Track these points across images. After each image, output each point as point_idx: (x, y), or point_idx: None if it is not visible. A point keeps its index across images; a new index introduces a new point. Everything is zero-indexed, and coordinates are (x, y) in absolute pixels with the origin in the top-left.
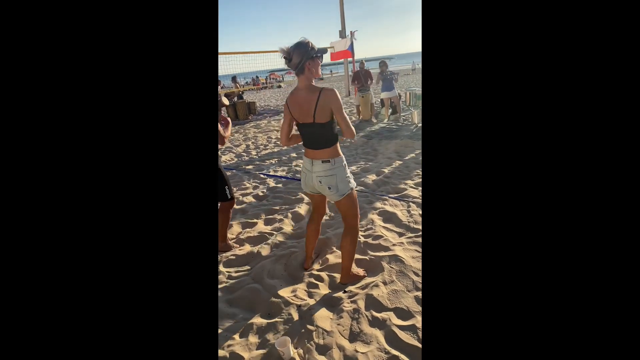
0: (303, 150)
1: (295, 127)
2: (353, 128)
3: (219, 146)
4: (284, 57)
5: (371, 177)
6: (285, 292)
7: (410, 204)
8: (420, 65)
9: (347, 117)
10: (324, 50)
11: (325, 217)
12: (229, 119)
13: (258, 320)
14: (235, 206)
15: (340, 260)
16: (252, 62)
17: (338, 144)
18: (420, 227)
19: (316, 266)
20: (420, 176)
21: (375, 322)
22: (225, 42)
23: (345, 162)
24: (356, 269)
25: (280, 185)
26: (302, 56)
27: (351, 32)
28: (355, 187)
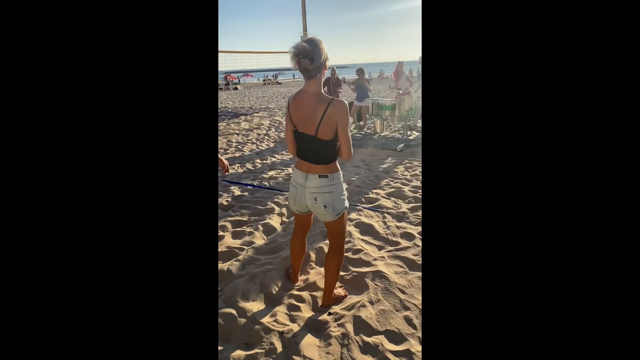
0: (268, 157)
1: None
2: (352, 150)
3: None
4: (304, 58)
5: None
6: (263, 317)
7: (386, 214)
8: (387, 75)
9: (350, 137)
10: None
11: None
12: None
13: (235, 352)
14: None
15: (322, 280)
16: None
17: (337, 159)
18: (398, 240)
19: (296, 285)
20: (391, 186)
21: (367, 348)
22: None
23: (342, 177)
24: (337, 290)
25: (246, 193)
26: (322, 57)
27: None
28: (347, 207)
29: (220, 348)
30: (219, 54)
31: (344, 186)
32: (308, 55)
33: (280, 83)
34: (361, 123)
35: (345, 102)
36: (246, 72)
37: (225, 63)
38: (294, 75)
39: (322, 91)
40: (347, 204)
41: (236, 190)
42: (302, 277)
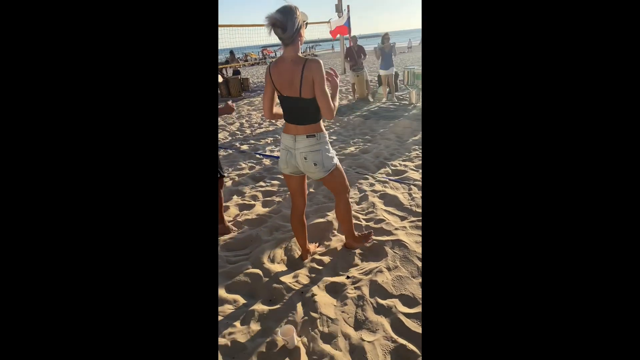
0: None
1: (277, 100)
2: (334, 107)
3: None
4: (276, 28)
5: (370, 159)
6: (286, 278)
7: (412, 186)
8: (416, 43)
9: (329, 93)
10: (306, 17)
11: (323, 200)
12: (230, 104)
13: (259, 306)
14: (230, 187)
15: (341, 243)
16: (245, 36)
17: (322, 120)
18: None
19: (319, 250)
20: (421, 158)
21: (380, 310)
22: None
23: (327, 138)
24: (360, 234)
25: (277, 166)
26: (295, 25)
27: (348, 6)
28: (338, 163)
29: (244, 301)
30: (254, 28)
31: (330, 146)
32: (280, 25)
33: (316, 55)
34: (388, 93)
35: (320, 60)
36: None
37: (260, 37)
38: (332, 47)
39: (300, 54)
40: (336, 160)
41: (267, 162)
42: (325, 244)
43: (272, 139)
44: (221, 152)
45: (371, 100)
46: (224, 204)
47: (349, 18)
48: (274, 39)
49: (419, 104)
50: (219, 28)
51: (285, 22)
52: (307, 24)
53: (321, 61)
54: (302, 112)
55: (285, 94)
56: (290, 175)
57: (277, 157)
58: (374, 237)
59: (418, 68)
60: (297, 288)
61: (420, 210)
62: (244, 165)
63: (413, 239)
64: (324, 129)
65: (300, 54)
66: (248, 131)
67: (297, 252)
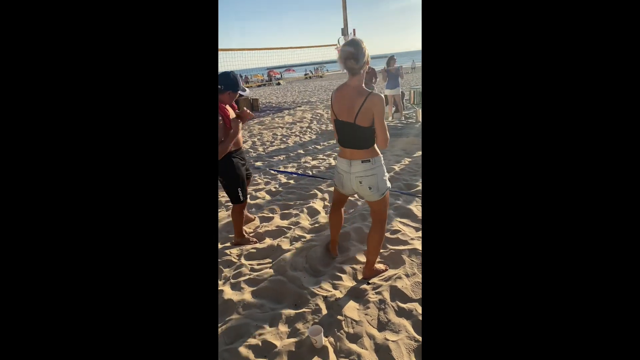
0: (311, 148)
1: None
2: (388, 138)
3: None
4: (350, 60)
5: None
6: (309, 284)
7: None
8: (419, 64)
9: (386, 127)
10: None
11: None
12: (248, 111)
13: (286, 310)
14: (249, 201)
15: (361, 255)
16: (249, 59)
17: (376, 144)
18: None
19: (338, 259)
20: None
21: (402, 312)
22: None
23: (382, 160)
24: (378, 265)
25: (292, 181)
26: (365, 57)
27: (354, 30)
28: (390, 188)
29: (271, 306)
30: (261, 51)
31: (385, 169)
32: (353, 57)
33: (321, 76)
34: (394, 112)
35: (382, 95)
36: (288, 67)
37: (267, 59)
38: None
39: (363, 85)
40: (389, 184)
41: (283, 178)
42: (343, 253)
43: (284, 156)
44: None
45: None
46: (245, 216)
47: None
48: (277, 62)
49: None
50: (225, 52)
51: (357, 55)
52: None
53: (383, 97)
54: (356, 137)
55: (342, 119)
56: (341, 193)
57: (291, 173)
58: (390, 247)
59: None
60: (320, 293)
61: None
62: (260, 181)
63: None
64: (379, 152)
65: (363, 86)
66: (260, 149)
67: (318, 261)
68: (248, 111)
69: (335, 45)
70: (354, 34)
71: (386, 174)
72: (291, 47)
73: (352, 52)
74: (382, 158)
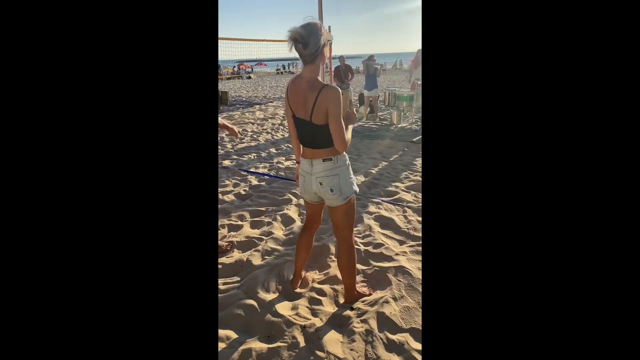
0: (284, 147)
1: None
2: (348, 140)
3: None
4: (297, 43)
5: (360, 179)
6: (284, 310)
7: (406, 208)
8: (405, 66)
9: (344, 126)
10: (331, 37)
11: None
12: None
13: (256, 344)
14: None
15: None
16: (220, 49)
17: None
18: (420, 235)
19: (317, 277)
20: (410, 179)
21: (392, 346)
22: None
23: (348, 161)
24: (360, 288)
25: (263, 183)
26: (318, 44)
27: (329, 27)
28: (357, 192)
29: (238, 338)
30: (232, 42)
31: (351, 170)
32: (302, 41)
33: (293, 72)
34: (369, 113)
35: (338, 88)
36: (259, 61)
37: (238, 51)
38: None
39: (319, 77)
40: (355, 188)
41: (253, 180)
42: (322, 271)
43: (255, 154)
44: None
45: None
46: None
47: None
48: (249, 55)
49: (400, 125)
50: None
51: (307, 39)
52: (330, 43)
53: (340, 90)
54: (314, 136)
55: (298, 116)
56: (309, 202)
57: (263, 174)
58: (374, 264)
59: (399, 90)
60: (297, 322)
61: (418, 234)
62: (227, 182)
63: (415, 265)
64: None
65: (319, 78)
66: (229, 146)
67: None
68: (234, 129)
69: None
70: (329, 31)
71: (352, 176)
72: (264, 40)
73: (300, 35)
74: (347, 158)
